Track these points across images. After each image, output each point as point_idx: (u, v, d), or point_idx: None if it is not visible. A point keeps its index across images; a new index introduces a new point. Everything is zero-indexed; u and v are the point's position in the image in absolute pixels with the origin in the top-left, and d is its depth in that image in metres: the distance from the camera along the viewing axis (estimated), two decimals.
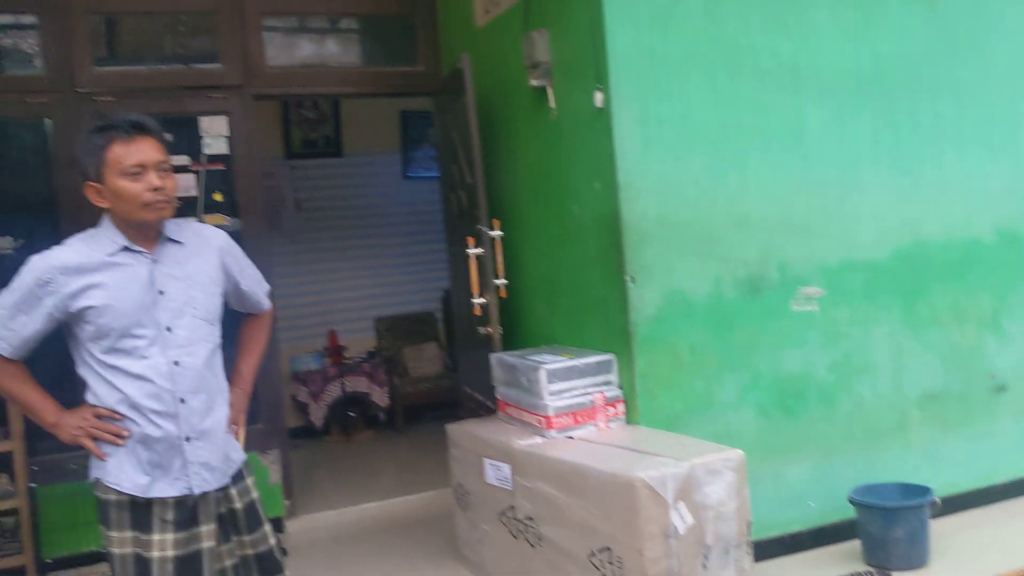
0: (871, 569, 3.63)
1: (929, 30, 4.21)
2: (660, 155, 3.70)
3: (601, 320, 3.85)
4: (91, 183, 2.40)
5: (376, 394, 6.95)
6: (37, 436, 4.25)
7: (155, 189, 2.37)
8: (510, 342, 4.44)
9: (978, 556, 3.73)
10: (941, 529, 3.92)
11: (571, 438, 3.55)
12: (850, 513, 3.82)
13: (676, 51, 3.74)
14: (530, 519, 3.47)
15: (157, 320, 2.39)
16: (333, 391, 6.83)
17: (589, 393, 3.65)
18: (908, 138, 4.16)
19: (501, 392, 4.03)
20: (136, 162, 2.35)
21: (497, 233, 4.29)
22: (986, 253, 4.30)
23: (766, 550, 3.75)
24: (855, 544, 3.81)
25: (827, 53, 4.01)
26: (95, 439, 2.40)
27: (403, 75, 5.44)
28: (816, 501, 3.93)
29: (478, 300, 4.28)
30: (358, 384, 6.91)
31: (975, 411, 4.26)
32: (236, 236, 3.23)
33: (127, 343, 2.36)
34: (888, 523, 3.59)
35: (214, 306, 2.53)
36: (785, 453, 3.89)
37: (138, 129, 2.39)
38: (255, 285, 2.74)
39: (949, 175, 4.23)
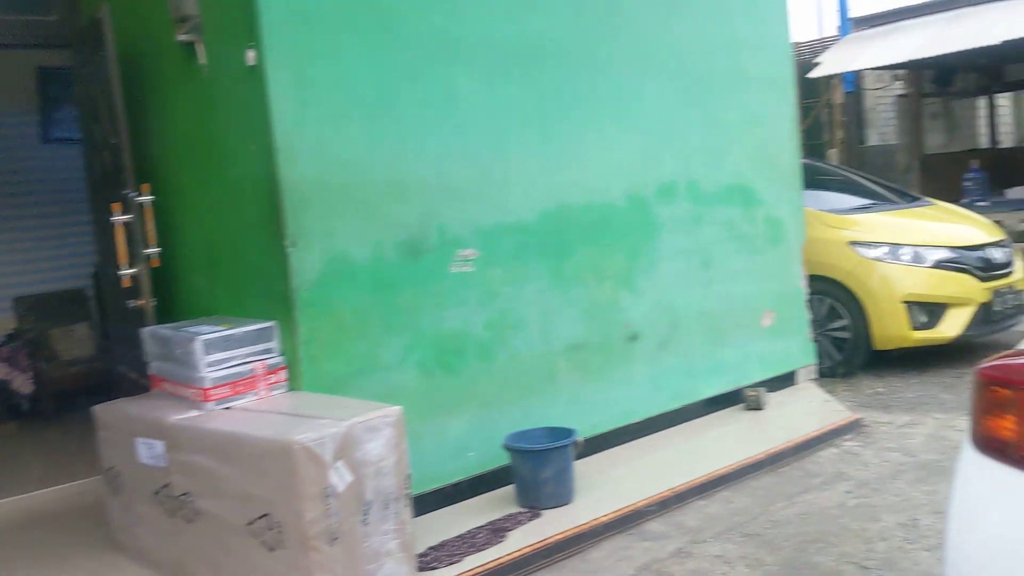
0: (523, 509, 3.90)
1: (569, 10, 4.53)
2: (318, 117, 3.67)
3: (262, 287, 3.76)
4: None
5: (18, 381, 6.28)
6: None
7: None
8: (167, 315, 4.20)
9: (617, 489, 4.14)
10: (586, 468, 4.29)
11: (229, 408, 3.44)
12: (507, 460, 4.06)
13: (330, 13, 3.70)
14: (186, 495, 3.32)
15: None
16: None
17: (249, 362, 3.55)
18: (552, 110, 4.46)
19: (155, 367, 3.81)
20: None
21: (147, 198, 4.03)
22: (619, 217, 4.74)
23: (430, 502, 3.89)
24: (511, 488, 4.07)
25: (476, 24, 4.18)
26: None
27: (34, 24, 4.92)
28: (476, 451, 4.14)
29: (127, 271, 4.00)
30: None
31: (613, 359, 4.69)
32: None
33: None
34: (537, 465, 3.87)
35: None
36: (446, 408, 4.05)
37: None
38: None
39: (588, 145, 4.60)
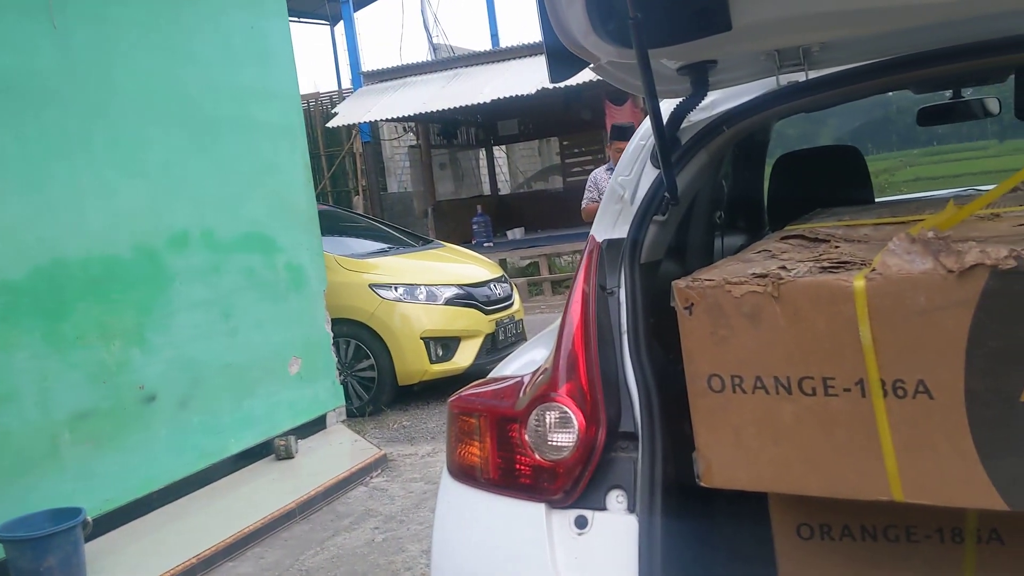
0: None
1: (53, 48, 4.13)
2: None
3: None
4: None
5: None
6: None
7: None
8: None
9: (137, 565, 3.83)
10: (103, 547, 3.91)
11: None
12: (3, 553, 3.53)
13: None
14: None
15: None
16: None
17: None
18: (39, 154, 4.02)
19: None
20: None
21: None
22: (127, 269, 4.40)
23: None
24: None
25: None
26: None
27: None
28: None
29: None
30: None
31: (128, 424, 4.32)
32: None
33: None
34: (38, 555, 3.42)
35: None
36: None
37: None
38: None
39: (85, 192, 4.22)
